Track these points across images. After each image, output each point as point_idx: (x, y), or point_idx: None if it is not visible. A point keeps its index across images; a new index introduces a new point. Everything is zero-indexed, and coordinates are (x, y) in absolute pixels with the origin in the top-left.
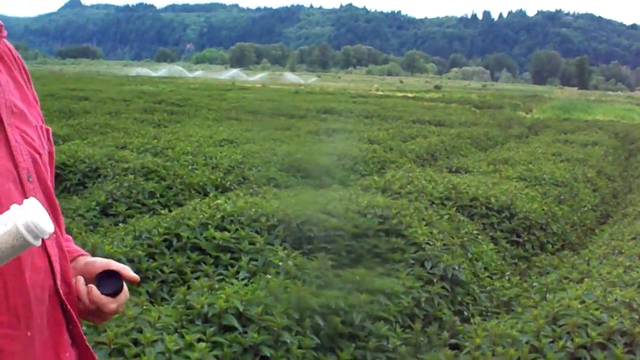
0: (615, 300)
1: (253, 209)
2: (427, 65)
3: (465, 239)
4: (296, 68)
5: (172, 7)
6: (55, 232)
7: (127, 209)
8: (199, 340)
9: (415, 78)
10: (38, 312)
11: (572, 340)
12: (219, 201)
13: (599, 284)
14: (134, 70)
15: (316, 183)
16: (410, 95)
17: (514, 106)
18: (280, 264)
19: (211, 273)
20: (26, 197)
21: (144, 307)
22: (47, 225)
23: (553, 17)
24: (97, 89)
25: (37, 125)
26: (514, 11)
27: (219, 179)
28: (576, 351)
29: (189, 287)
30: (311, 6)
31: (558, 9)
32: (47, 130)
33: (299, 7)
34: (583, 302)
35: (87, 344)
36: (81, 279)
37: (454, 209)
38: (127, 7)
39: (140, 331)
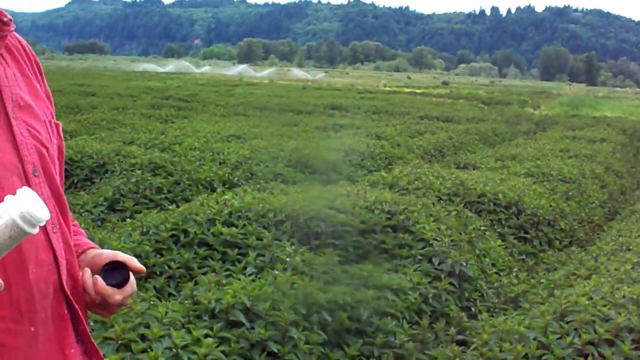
0: (623, 296)
1: (260, 205)
2: (435, 61)
3: (472, 235)
4: (304, 64)
5: (180, 3)
6: (61, 227)
7: (134, 205)
8: (206, 335)
9: (423, 74)
10: (42, 307)
11: (579, 336)
12: (226, 197)
13: (607, 281)
14: (141, 66)
15: (324, 179)
16: (417, 91)
17: (522, 102)
18: (288, 259)
19: (218, 269)
20: None
21: (151, 302)
22: (42, 213)
23: (561, 13)
24: (105, 85)
25: (45, 120)
26: (522, 7)
27: (226, 175)
28: (584, 347)
29: (196, 283)
30: (319, 2)
31: (566, 4)
32: (57, 125)
33: (307, 3)
34: (591, 298)
35: (92, 340)
36: (88, 271)
37: (462, 205)
38: (134, 2)
39: (148, 326)
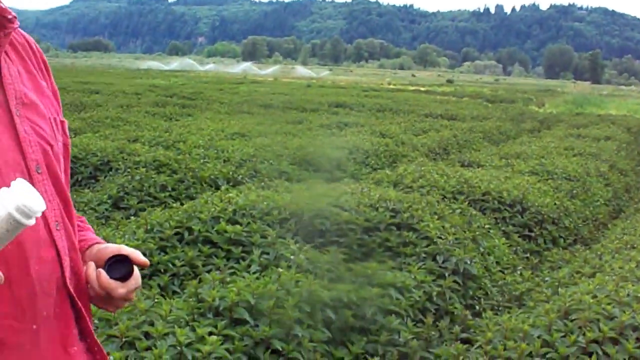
0: (628, 295)
1: (265, 203)
2: (440, 59)
3: (477, 233)
4: (308, 62)
5: (184, 1)
6: (64, 224)
7: (138, 202)
8: (210, 333)
9: (428, 72)
10: (44, 304)
11: (584, 334)
12: (230, 194)
13: (611, 279)
14: (146, 63)
15: (328, 177)
16: (422, 89)
17: (527, 100)
18: (292, 257)
19: (222, 266)
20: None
21: (156, 300)
22: (37, 204)
23: (566, 11)
24: (109, 82)
25: (50, 117)
26: (526, 5)
27: (230, 173)
28: (588, 346)
29: (200, 281)
30: (323, 0)
31: (571, 2)
32: (62, 123)
33: (312, 1)
34: (595, 296)
35: (96, 338)
36: (92, 265)
37: (466, 203)
38: (139, 0)
39: (152, 324)
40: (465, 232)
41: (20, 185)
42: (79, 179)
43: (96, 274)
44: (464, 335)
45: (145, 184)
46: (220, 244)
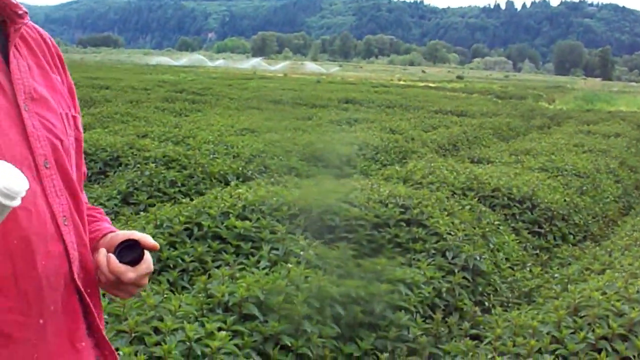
0: (637, 291)
1: (274, 198)
2: (449, 55)
3: (486, 229)
4: (318, 57)
5: None
6: (73, 219)
7: (148, 198)
8: (220, 329)
9: (437, 68)
10: (51, 299)
11: (593, 331)
12: (240, 190)
13: (621, 275)
14: (155, 59)
15: (337, 173)
16: (432, 85)
17: (537, 97)
18: (302, 253)
19: (232, 262)
20: (41, 184)
21: (165, 295)
22: (18, 184)
23: (576, 8)
24: (118, 78)
25: (61, 112)
26: (536, 1)
27: (240, 168)
28: (597, 342)
29: (209, 276)
30: None
31: None
32: (74, 118)
33: None
34: (604, 293)
35: (104, 334)
36: (102, 250)
37: (476, 199)
38: None
39: (161, 319)
40: (474, 228)
41: (0, 167)
42: (89, 174)
43: (106, 259)
44: (473, 331)
45: (154, 179)
46: (229, 240)
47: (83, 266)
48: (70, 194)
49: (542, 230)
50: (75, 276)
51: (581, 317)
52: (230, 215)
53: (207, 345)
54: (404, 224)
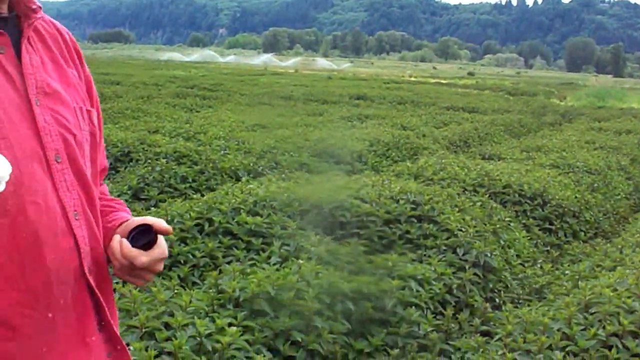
0: None
1: (285, 194)
2: (461, 51)
3: (497, 226)
4: (329, 54)
5: None
6: (85, 214)
7: (159, 194)
8: (230, 324)
9: (449, 64)
10: (60, 293)
11: (603, 328)
12: (251, 186)
13: (632, 272)
14: (166, 54)
15: (348, 169)
16: (443, 81)
17: (548, 94)
18: (312, 249)
19: (243, 258)
20: (52, 178)
21: (176, 291)
22: (1, 169)
23: (588, 4)
24: (129, 74)
25: (75, 107)
26: None
27: (251, 164)
28: (608, 339)
29: (220, 272)
30: None
31: None
32: (89, 112)
33: None
34: (615, 290)
35: (115, 329)
36: (117, 237)
37: (487, 196)
38: None
39: (172, 315)
40: (485, 224)
41: None
42: None
43: (119, 244)
44: (483, 327)
45: (165, 175)
46: (240, 236)
47: (95, 261)
48: (83, 189)
49: (553, 227)
50: (86, 271)
51: (592, 314)
52: (241, 211)
53: (218, 341)
54: (415, 220)
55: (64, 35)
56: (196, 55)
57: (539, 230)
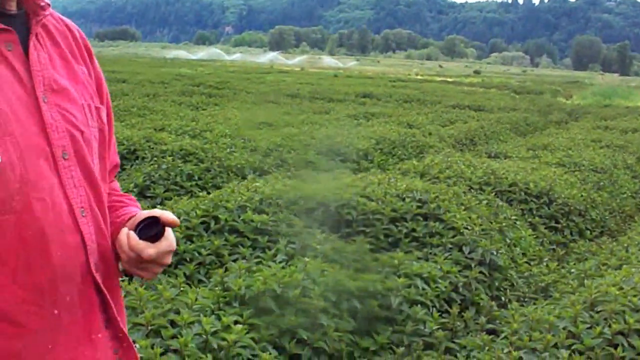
0: None
1: (291, 192)
2: (467, 50)
3: (503, 224)
4: (335, 52)
5: None
6: (92, 211)
7: (165, 191)
8: (236, 322)
9: (455, 63)
10: (66, 290)
11: (609, 326)
12: (257, 184)
13: (638, 271)
14: (172, 52)
15: (355, 167)
16: (449, 79)
17: (554, 92)
18: (318, 247)
19: (248, 255)
20: (59, 175)
21: (181, 288)
22: None
23: (594, 3)
24: (135, 71)
25: (83, 103)
26: None
27: (257, 162)
28: (613, 337)
29: (226, 269)
30: None
31: None
32: (97, 109)
33: None
34: (621, 288)
35: (122, 326)
36: (124, 230)
37: (493, 194)
38: None
39: (178, 313)
40: (491, 223)
41: None
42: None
43: (126, 236)
44: (489, 326)
45: (171, 172)
46: (246, 233)
47: (102, 258)
48: (90, 186)
49: (559, 226)
50: (93, 268)
51: (598, 312)
52: (247, 208)
53: (224, 339)
54: (421, 218)
55: (74, 32)
56: (202, 53)
57: (545, 228)
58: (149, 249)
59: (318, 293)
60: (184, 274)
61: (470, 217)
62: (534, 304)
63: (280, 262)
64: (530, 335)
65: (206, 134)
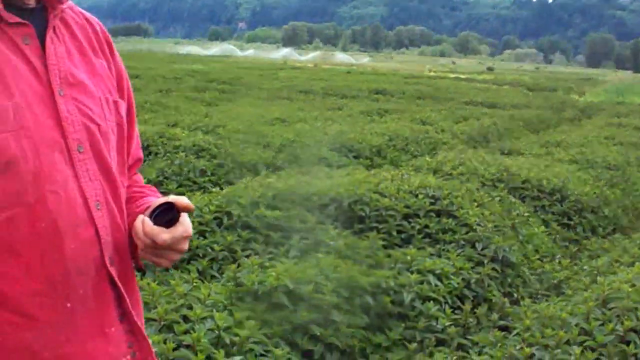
0: None
1: (304, 188)
2: (480, 46)
3: (516, 221)
4: (348, 48)
5: None
6: (108, 205)
7: (178, 187)
8: (249, 317)
9: (468, 59)
10: (80, 283)
11: (622, 323)
12: (270, 180)
13: None
14: (186, 48)
15: (367, 163)
16: (462, 76)
17: (567, 89)
18: (331, 243)
19: (261, 251)
20: (74, 168)
21: (194, 284)
22: None
23: (608, 0)
24: (149, 67)
25: (101, 97)
26: None
27: (270, 158)
28: (626, 334)
29: (239, 265)
30: None
31: None
32: (116, 103)
33: None
34: (634, 285)
35: (136, 319)
36: (140, 217)
37: (506, 190)
38: None
39: (190, 308)
40: (504, 219)
41: None
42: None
43: (141, 222)
44: (501, 322)
45: (184, 168)
46: (259, 229)
47: (117, 252)
48: (107, 179)
49: (572, 222)
50: (107, 262)
51: (610, 309)
52: (260, 204)
53: (236, 334)
54: (434, 215)
55: (94, 25)
56: (215, 49)
57: (558, 225)
58: (163, 234)
59: (331, 289)
60: (197, 269)
61: (483, 214)
62: (547, 300)
63: (293, 258)
64: (542, 332)
65: (219, 129)
